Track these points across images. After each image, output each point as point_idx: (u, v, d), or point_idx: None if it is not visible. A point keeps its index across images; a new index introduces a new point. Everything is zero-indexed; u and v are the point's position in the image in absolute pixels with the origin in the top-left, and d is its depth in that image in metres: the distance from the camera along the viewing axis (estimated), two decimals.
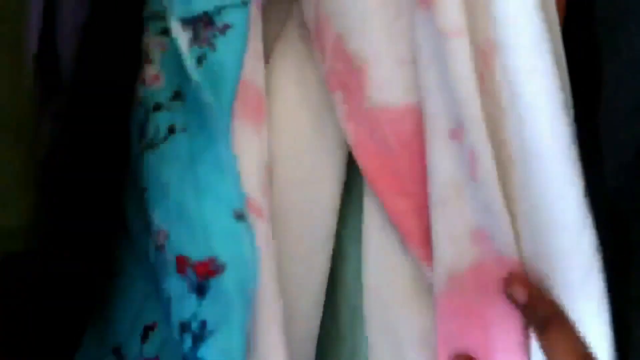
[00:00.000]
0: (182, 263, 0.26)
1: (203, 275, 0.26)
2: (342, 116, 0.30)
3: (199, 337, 0.26)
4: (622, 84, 0.26)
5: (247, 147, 0.28)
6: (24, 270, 0.24)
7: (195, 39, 0.28)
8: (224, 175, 0.25)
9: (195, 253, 0.25)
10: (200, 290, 0.26)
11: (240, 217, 0.25)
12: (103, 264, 0.30)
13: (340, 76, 0.30)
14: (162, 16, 0.28)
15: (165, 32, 0.28)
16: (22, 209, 0.25)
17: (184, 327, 0.26)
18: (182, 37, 0.27)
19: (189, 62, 0.27)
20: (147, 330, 0.29)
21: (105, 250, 0.30)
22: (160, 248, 0.26)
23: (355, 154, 0.30)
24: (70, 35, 0.31)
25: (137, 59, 0.30)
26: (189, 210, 0.25)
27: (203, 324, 0.26)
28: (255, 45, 0.30)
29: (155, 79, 0.27)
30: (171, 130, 0.26)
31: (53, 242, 0.26)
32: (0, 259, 0.23)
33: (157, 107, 0.26)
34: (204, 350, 0.25)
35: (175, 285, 0.26)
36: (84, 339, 0.29)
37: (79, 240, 0.27)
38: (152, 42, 0.28)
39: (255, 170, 0.29)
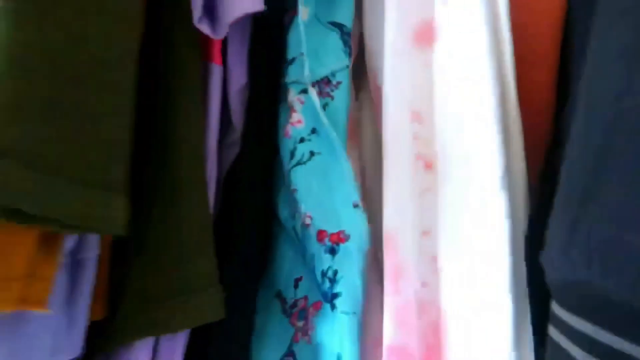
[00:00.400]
0: (321, 235, 0.42)
1: (335, 242, 0.41)
2: None
3: (333, 280, 0.41)
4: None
5: (351, 158, 0.44)
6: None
7: (320, 94, 0.44)
8: (345, 180, 0.41)
9: (330, 228, 0.41)
10: (333, 251, 0.42)
11: (356, 206, 0.41)
12: (267, 242, 0.47)
13: None
14: (300, 82, 0.44)
15: (304, 91, 0.44)
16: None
17: (323, 274, 0.42)
18: (313, 94, 0.43)
19: (319, 109, 0.43)
20: (297, 281, 0.45)
21: (268, 233, 0.47)
22: (306, 226, 0.43)
23: None
24: (237, 92, 0.48)
25: (276, 109, 0.47)
26: (325, 202, 0.41)
27: (335, 272, 0.41)
28: (352, 91, 0.46)
29: (299, 122, 0.43)
30: (312, 153, 0.42)
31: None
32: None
33: (302, 140, 0.43)
34: (337, 287, 0.41)
35: (317, 249, 0.42)
36: (259, 287, 0.46)
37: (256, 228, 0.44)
38: (295, 99, 0.44)
39: (357, 175, 0.44)
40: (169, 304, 0.38)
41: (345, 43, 0.45)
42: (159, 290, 0.39)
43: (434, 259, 0.38)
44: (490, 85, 0.37)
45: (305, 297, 0.44)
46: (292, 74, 0.45)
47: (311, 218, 0.42)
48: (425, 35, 0.41)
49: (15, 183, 0.28)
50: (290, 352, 0.44)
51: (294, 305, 0.45)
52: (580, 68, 0.32)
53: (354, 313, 0.40)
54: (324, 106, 0.43)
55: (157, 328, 0.38)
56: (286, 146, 0.44)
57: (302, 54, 0.44)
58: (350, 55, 0.45)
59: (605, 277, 0.25)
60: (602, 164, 0.27)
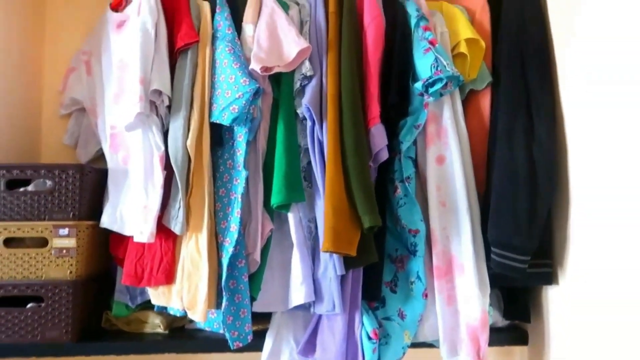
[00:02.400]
0: (409, 230, 1.17)
1: (413, 235, 1.17)
2: None
3: (414, 244, 1.17)
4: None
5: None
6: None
7: None
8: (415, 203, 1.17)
9: (412, 226, 1.17)
10: (414, 234, 1.17)
11: (422, 220, 1.17)
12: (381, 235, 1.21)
13: None
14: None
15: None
16: None
17: (409, 243, 1.17)
18: None
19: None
20: (396, 250, 1.21)
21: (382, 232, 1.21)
22: (403, 226, 1.18)
23: None
24: None
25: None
26: (401, 216, 1.17)
27: (414, 244, 1.17)
28: None
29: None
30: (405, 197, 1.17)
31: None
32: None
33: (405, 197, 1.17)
34: (418, 247, 1.16)
35: (407, 236, 1.17)
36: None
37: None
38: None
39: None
40: None
41: None
42: None
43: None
44: (462, 178, 1.15)
45: (401, 255, 1.20)
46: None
47: (404, 222, 1.17)
48: None
49: None
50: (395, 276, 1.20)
51: (396, 257, 1.20)
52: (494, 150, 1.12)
53: (422, 256, 1.16)
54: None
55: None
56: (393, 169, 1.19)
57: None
58: None
59: (509, 238, 1.05)
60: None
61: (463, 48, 1.19)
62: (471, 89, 1.23)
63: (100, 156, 1.48)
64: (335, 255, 1.10)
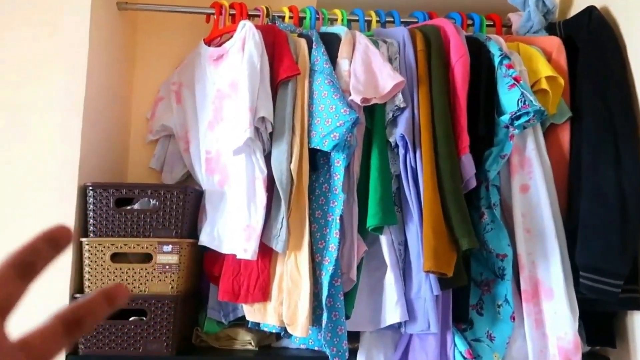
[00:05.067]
0: (497, 254, 1.23)
1: (501, 259, 1.23)
2: None
3: (502, 268, 1.23)
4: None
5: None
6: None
7: None
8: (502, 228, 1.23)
9: (499, 250, 1.22)
10: (502, 258, 1.23)
11: (509, 245, 1.23)
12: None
13: None
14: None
15: None
16: None
17: (497, 267, 1.23)
18: None
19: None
20: (481, 274, 1.26)
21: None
22: (490, 250, 1.24)
23: None
24: None
25: None
26: (488, 241, 1.22)
27: (502, 268, 1.23)
28: None
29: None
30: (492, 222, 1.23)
31: None
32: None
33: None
34: (505, 272, 1.22)
35: (494, 260, 1.23)
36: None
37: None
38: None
39: None
40: None
41: None
42: None
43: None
44: (548, 206, 1.21)
45: (487, 279, 1.25)
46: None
47: (493, 249, 1.23)
48: None
49: None
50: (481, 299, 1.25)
51: (481, 281, 1.26)
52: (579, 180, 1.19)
53: (509, 280, 1.22)
54: None
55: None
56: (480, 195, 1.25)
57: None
58: None
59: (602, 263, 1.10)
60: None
61: (544, 85, 1.28)
62: (551, 122, 1.31)
63: (184, 180, 1.57)
64: (431, 276, 1.16)
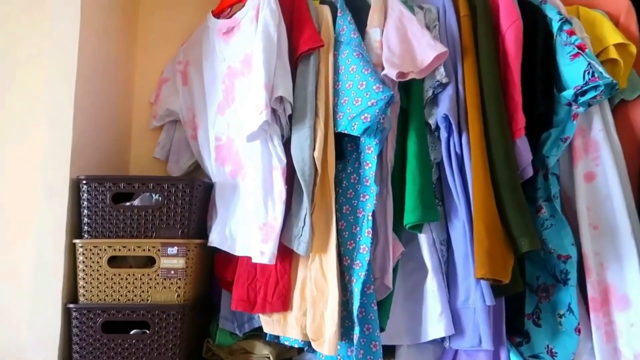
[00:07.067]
0: (559, 255, 1.04)
1: (564, 261, 1.04)
2: None
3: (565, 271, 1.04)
4: None
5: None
6: None
7: None
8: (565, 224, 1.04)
9: (561, 251, 1.04)
10: (564, 260, 1.04)
11: (573, 244, 1.04)
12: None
13: None
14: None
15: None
16: None
17: (558, 270, 1.04)
18: None
19: None
20: (537, 277, 1.08)
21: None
22: (550, 250, 1.05)
23: None
24: None
25: None
26: (547, 240, 1.04)
27: (565, 272, 1.04)
28: None
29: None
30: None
31: None
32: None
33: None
34: (569, 276, 1.03)
35: (556, 263, 1.04)
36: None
37: None
38: None
39: None
40: None
41: None
42: None
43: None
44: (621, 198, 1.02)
45: (545, 284, 1.07)
46: None
47: (554, 249, 1.04)
48: None
49: None
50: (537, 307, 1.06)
51: (538, 287, 1.07)
52: None
53: (574, 285, 1.03)
54: None
55: None
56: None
57: None
58: None
59: None
60: None
61: (613, 54, 1.08)
62: (621, 99, 1.11)
63: (193, 171, 1.40)
64: (484, 283, 0.97)
